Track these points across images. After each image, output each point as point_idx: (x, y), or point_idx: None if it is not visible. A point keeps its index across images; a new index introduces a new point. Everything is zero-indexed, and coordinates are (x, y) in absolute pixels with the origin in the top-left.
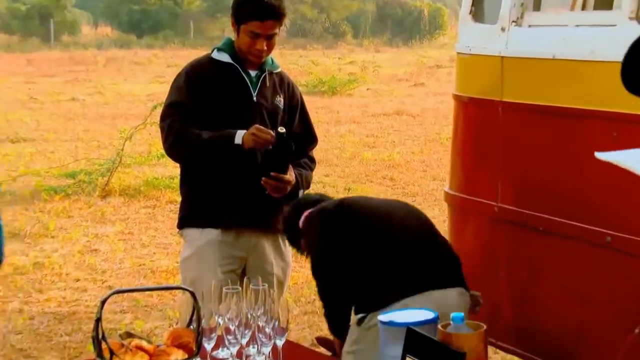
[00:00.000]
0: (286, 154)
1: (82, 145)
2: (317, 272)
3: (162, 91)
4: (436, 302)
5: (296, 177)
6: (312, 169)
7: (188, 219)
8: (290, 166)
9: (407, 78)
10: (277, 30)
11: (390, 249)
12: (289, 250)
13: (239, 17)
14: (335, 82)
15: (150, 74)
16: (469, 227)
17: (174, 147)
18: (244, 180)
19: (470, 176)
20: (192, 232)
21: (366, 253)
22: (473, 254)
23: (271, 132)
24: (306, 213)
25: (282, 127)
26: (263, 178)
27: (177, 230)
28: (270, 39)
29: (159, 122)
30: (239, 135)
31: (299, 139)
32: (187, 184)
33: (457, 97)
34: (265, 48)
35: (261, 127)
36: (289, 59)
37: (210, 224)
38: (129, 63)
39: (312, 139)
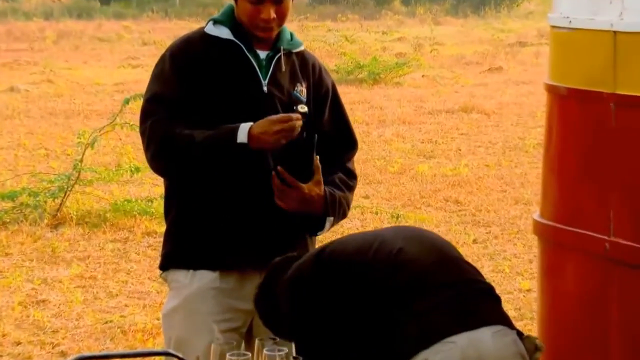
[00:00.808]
0: (306, 145)
1: (24, 154)
2: (309, 353)
3: (136, 79)
4: (464, 349)
5: (325, 197)
6: (351, 189)
7: (174, 257)
8: (320, 178)
9: (479, 60)
10: None
11: (390, 294)
12: None
13: None
14: (378, 66)
15: (120, 55)
16: (569, 270)
17: (158, 157)
18: (251, 203)
19: (571, 199)
20: (180, 276)
21: (363, 309)
22: (574, 307)
23: (292, 115)
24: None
25: (303, 105)
26: (274, 170)
27: (159, 273)
28: (278, 2)
29: (138, 126)
30: (243, 131)
31: (332, 144)
32: (175, 207)
33: (551, 88)
34: (274, 16)
35: (275, 116)
36: (312, 33)
37: (204, 265)
38: (89, 39)
39: (350, 144)
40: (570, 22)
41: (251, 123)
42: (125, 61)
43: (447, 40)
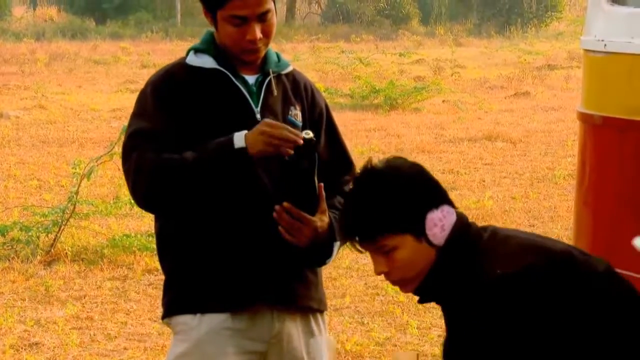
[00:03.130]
0: (309, 173)
1: (14, 185)
2: None
3: (134, 104)
4: None
5: (330, 223)
6: None
7: (179, 303)
8: (325, 207)
9: (504, 85)
10: (270, 6)
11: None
12: (325, 338)
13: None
14: (395, 90)
15: (117, 78)
16: None
17: (151, 189)
18: (257, 236)
19: (607, 236)
20: (187, 320)
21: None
22: None
23: (290, 128)
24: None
25: (308, 132)
26: (276, 207)
27: (162, 320)
28: (263, 19)
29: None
30: (240, 138)
31: (328, 168)
32: (173, 251)
33: (584, 117)
34: (260, 36)
35: (274, 121)
36: (324, 55)
37: (214, 308)
38: (84, 62)
39: (347, 166)
40: (605, 45)
41: (245, 131)
42: (123, 85)
43: (469, 62)
